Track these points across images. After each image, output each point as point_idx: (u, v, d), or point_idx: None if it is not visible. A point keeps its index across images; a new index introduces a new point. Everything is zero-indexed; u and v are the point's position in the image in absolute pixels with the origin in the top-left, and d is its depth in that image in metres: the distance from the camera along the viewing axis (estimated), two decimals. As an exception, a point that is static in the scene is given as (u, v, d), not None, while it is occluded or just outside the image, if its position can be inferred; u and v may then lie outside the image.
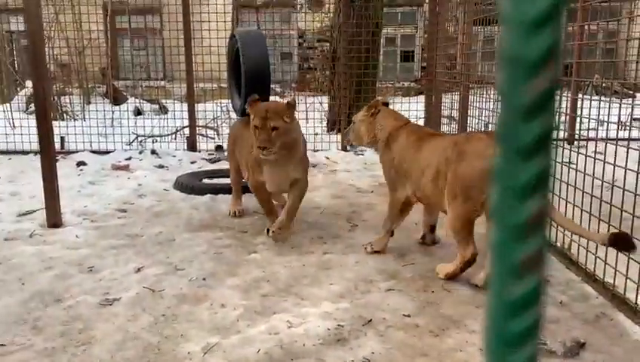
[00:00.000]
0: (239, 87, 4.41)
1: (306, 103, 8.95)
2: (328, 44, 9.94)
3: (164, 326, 2.55)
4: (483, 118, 5.44)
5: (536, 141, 0.30)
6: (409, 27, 15.20)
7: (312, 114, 8.60)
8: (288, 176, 3.75)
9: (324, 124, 8.58)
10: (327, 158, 6.82)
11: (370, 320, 2.58)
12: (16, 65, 11.22)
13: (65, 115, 8.85)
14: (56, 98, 8.71)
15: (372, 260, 3.34)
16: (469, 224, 2.91)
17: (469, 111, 5.85)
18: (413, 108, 7.64)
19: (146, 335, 2.46)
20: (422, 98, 7.91)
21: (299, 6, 12.49)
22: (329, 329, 2.48)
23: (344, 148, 7.26)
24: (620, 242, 2.51)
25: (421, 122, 7.72)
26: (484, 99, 5.57)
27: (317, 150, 7.27)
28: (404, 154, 3.28)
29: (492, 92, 5.45)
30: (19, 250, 3.54)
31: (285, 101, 3.74)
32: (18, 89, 9.97)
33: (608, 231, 2.70)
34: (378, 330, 2.50)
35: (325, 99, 9.08)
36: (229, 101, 5.18)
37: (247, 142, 3.78)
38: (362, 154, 7.04)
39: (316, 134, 7.72)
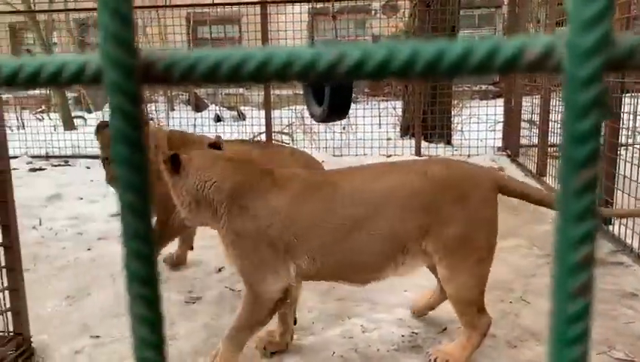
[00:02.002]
0: (316, 93, 4.50)
1: (379, 108, 8.95)
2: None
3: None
4: (566, 123, 5.20)
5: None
6: (487, 29, 14.81)
7: (385, 119, 8.60)
8: None
9: (398, 129, 8.54)
10: (401, 164, 6.78)
11: (445, 329, 2.56)
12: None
13: (151, 121, 9.37)
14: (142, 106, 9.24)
15: (447, 268, 3.30)
16: (484, 289, 2.24)
17: (550, 115, 5.63)
18: (491, 112, 7.45)
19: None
20: (500, 101, 7.69)
21: (373, 12, 12.51)
22: (403, 336, 2.49)
23: (418, 153, 7.20)
24: None
25: (499, 126, 7.52)
26: (567, 103, 5.32)
27: (390, 155, 7.26)
28: (291, 213, 2.11)
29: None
30: (111, 249, 3.80)
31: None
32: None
33: None
34: (453, 339, 2.47)
35: (399, 103, 9.04)
36: (304, 107, 5.29)
37: None
38: (437, 160, 6.96)
39: (389, 139, 7.70)
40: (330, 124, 7.16)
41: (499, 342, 2.44)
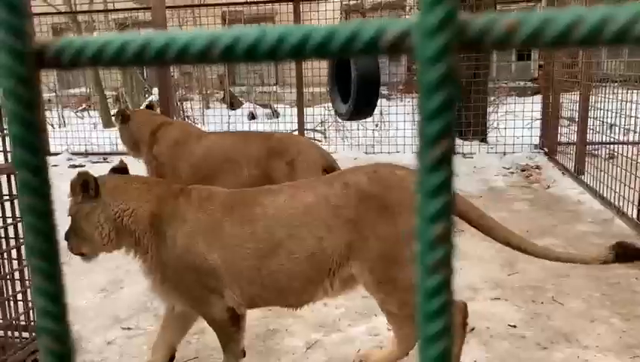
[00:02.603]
0: (342, 90, 4.49)
1: (412, 105, 8.87)
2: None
3: (271, 320, 2.68)
4: (607, 120, 5.05)
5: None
6: (525, 24, 14.48)
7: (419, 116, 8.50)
8: None
9: (432, 126, 8.46)
10: (434, 161, 6.70)
11: (474, 329, 2.52)
12: (145, 75, 12.26)
13: (187, 119, 9.54)
14: (178, 104, 9.42)
15: (477, 267, 3.25)
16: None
17: (590, 112, 5.46)
18: (528, 109, 7.28)
19: (254, 328, 2.60)
20: (538, 98, 7.51)
21: (408, 7, 12.39)
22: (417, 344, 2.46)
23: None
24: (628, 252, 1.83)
25: (537, 124, 7.35)
26: (607, 100, 5.17)
27: (424, 153, 7.19)
28: (207, 236, 1.93)
29: (617, 91, 5.03)
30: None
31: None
32: (146, 95, 10.92)
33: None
34: (481, 339, 2.43)
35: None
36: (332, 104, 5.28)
37: None
38: (471, 158, 6.84)
39: (423, 137, 7.62)
40: (363, 121, 7.14)
41: (528, 343, 2.39)
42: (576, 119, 5.70)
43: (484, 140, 7.53)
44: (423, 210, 0.23)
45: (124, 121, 3.84)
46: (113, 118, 4.00)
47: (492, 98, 8.29)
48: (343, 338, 2.48)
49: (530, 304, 2.77)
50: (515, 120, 7.33)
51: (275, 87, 11.99)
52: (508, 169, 6.25)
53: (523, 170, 6.12)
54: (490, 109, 7.96)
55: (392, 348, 2.11)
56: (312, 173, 3.02)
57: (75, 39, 0.23)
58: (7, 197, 2.27)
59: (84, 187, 1.94)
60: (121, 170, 2.19)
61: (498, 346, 2.37)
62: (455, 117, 0.22)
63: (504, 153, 6.92)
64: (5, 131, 2.28)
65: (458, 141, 7.25)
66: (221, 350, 2.08)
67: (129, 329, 2.66)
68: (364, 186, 1.85)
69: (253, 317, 2.70)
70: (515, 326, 2.53)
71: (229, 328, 2.02)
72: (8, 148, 2.29)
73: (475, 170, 6.22)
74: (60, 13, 8.95)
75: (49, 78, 10.64)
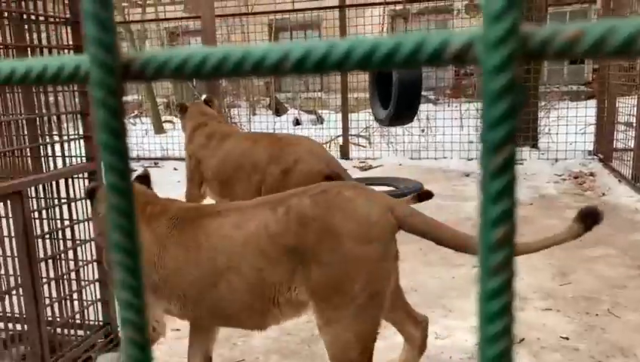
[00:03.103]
0: (382, 95, 4.47)
1: (460, 110, 8.73)
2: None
3: (315, 325, 2.69)
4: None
5: None
6: (578, 26, 14.01)
7: (466, 121, 8.37)
8: None
9: (480, 131, 8.29)
10: (482, 167, 6.57)
11: (523, 339, 2.45)
12: (194, 82, 12.59)
13: (234, 125, 9.73)
14: (226, 110, 9.62)
15: (528, 276, 3.16)
16: (368, 348, 1.86)
17: (648, 116, 5.22)
18: (581, 114, 7.05)
19: (299, 331, 2.62)
20: (593, 103, 7.26)
21: (456, 11, 12.23)
22: (477, 345, 2.41)
23: (501, 157, 6.95)
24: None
25: (591, 129, 7.10)
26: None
27: (471, 158, 7.05)
28: (152, 253, 1.89)
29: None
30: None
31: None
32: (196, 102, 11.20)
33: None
34: (531, 350, 2.36)
35: (481, 105, 8.77)
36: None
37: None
38: (522, 164, 6.67)
39: (470, 142, 7.49)
40: (408, 126, 7.09)
41: (582, 357, 2.31)
42: (634, 124, 5.47)
43: (535, 146, 7.33)
44: (485, 214, 0.24)
45: (182, 112, 3.96)
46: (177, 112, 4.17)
47: (543, 103, 8.06)
48: (388, 346, 2.46)
49: (584, 315, 2.67)
50: (568, 125, 7.10)
51: (319, 93, 12.06)
52: (560, 176, 6.06)
53: (576, 177, 5.92)
54: (541, 114, 7.75)
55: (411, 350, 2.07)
56: (307, 183, 2.86)
57: (159, 53, 0.25)
58: (65, 200, 2.37)
59: (91, 198, 2.04)
60: (143, 178, 2.21)
61: (549, 358, 2.30)
62: (516, 126, 0.23)
63: (556, 159, 6.71)
64: (64, 137, 2.39)
65: (507, 147, 7.09)
66: (267, 352, 2.09)
67: (178, 330, 2.72)
68: (306, 210, 1.74)
69: (300, 322, 2.72)
70: (567, 338, 2.45)
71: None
72: (66, 153, 2.40)
73: (526, 177, 6.06)
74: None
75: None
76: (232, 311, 1.84)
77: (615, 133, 6.28)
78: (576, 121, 7.07)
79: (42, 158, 2.41)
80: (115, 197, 0.24)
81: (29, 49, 2.28)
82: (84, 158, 2.42)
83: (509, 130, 0.22)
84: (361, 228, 1.71)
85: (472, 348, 2.39)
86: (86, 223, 2.44)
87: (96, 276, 2.51)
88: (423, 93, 4.42)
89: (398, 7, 7.11)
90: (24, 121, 2.39)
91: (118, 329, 2.57)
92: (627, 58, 0.22)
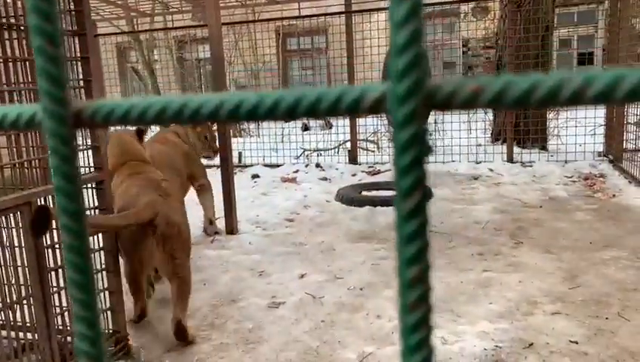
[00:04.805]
0: None
1: (468, 113, 8.71)
2: (493, 51, 9.56)
3: (324, 331, 2.69)
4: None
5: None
6: (587, 27, 13.93)
7: (475, 124, 8.35)
8: None
9: (489, 134, 8.26)
10: (491, 170, 6.55)
11: (532, 344, 2.44)
12: (203, 88, 12.66)
13: (242, 132, 9.77)
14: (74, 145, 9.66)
15: (536, 280, 3.15)
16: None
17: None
18: (591, 115, 7.00)
19: (307, 339, 2.63)
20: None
21: (462, 14, 12.22)
22: (486, 350, 2.40)
23: (510, 160, 6.92)
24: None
25: (601, 130, 7.05)
26: (677, 103, 4.89)
27: (480, 161, 7.03)
28: None
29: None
30: (203, 254, 4.01)
31: None
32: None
33: None
34: (540, 355, 2.35)
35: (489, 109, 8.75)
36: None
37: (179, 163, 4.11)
38: (531, 166, 6.64)
39: (479, 145, 7.47)
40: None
41: (591, 361, 2.29)
42: (644, 124, 5.43)
43: (544, 148, 7.30)
44: (401, 254, 0.25)
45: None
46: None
47: (552, 104, 8.01)
48: (397, 352, 2.46)
49: (594, 319, 2.65)
50: (577, 126, 7.06)
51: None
52: (570, 178, 6.02)
53: (586, 179, 5.88)
54: (550, 116, 7.71)
55: None
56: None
57: (106, 102, 0.27)
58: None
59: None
60: (140, 132, 3.30)
61: (559, 363, 2.28)
62: (425, 172, 0.24)
63: (565, 161, 6.67)
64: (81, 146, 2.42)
65: (516, 149, 7.05)
66: (275, 359, 2.10)
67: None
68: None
69: (307, 328, 2.73)
70: (576, 343, 2.43)
71: None
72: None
73: (535, 179, 6.03)
74: (123, 33, 9.40)
75: (112, 89, 11.17)
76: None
77: (625, 133, 6.23)
78: (585, 122, 7.02)
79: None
80: (68, 236, 0.25)
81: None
82: (92, 168, 2.45)
83: (417, 177, 0.24)
84: None
85: (481, 353, 2.38)
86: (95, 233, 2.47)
87: (106, 285, 2.53)
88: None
89: (405, 11, 7.11)
90: (34, 133, 2.43)
91: (128, 338, 2.60)
92: (523, 109, 0.24)
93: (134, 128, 3.43)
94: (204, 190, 4.53)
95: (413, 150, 0.23)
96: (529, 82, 0.22)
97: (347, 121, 7.90)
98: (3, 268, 2.32)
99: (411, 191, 0.24)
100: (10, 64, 2.27)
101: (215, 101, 0.24)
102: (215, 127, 4.55)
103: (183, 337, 2.63)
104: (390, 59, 0.24)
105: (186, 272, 2.76)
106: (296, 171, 7.21)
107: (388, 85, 0.24)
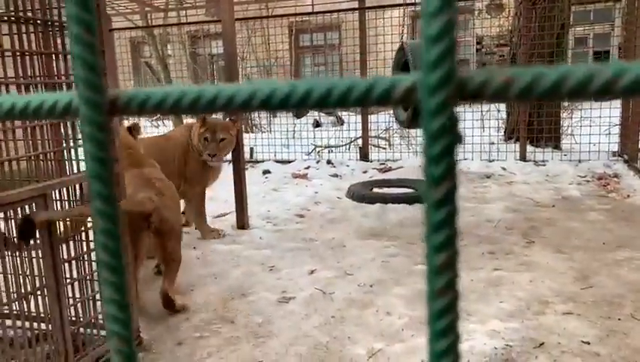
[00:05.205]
0: None
1: (481, 111, 8.66)
2: (507, 48, 9.49)
3: (333, 327, 2.70)
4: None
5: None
6: (603, 25, 13.77)
7: (487, 122, 8.29)
8: (220, 168, 4.57)
9: (501, 132, 8.20)
10: (504, 169, 6.51)
11: (543, 344, 2.42)
12: (215, 84, 12.70)
13: (254, 127, 9.79)
14: (250, 113, 9.71)
15: (548, 280, 3.13)
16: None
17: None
18: (605, 114, 6.92)
19: (316, 334, 2.63)
20: (617, 103, 7.13)
21: (477, 11, 12.13)
22: (496, 349, 2.40)
23: (523, 158, 6.87)
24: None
25: (616, 130, 6.97)
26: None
27: (492, 160, 6.99)
28: None
29: None
30: (214, 248, 4.03)
31: (231, 119, 4.40)
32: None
33: None
34: (551, 355, 2.34)
35: (503, 106, 8.68)
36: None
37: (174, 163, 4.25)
38: (544, 165, 6.59)
39: (492, 143, 7.42)
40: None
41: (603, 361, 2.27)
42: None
43: (557, 147, 7.23)
44: (429, 241, 0.26)
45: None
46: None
47: (566, 103, 7.95)
48: (406, 348, 2.46)
49: (606, 320, 2.63)
50: (592, 125, 6.98)
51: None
52: (583, 177, 5.97)
53: (600, 179, 5.82)
54: (564, 115, 7.64)
55: None
56: None
57: (141, 90, 0.27)
58: (88, 203, 2.42)
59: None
60: (131, 128, 3.45)
61: (570, 363, 2.27)
62: (455, 161, 0.25)
63: (579, 160, 6.61)
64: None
65: (529, 148, 7.00)
66: (285, 354, 2.12)
67: (198, 330, 2.76)
68: None
69: (317, 323, 2.73)
70: (588, 343, 2.42)
71: None
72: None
73: (548, 178, 5.98)
74: (137, 27, 9.46)
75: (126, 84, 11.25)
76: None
77: (640, 133, 6.16)
78: (600, 121, 6.95)
79: (66, 162, 2.47)
80: (102, 221, 0.26)
81: (53, 55, 2.34)
82: (106, 162, 2.47)
83: (448, 166, 0.24)
84: None
85: (491, 351, 2.37)
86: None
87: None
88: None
89: (419, 7, 7.08)
90: (49, 126, 2.45)
91: (140, 330, 2.62)
92: (555, 100, 0.24)
93: (126, 125, 3.50)
94: (186, 198, 4.40)
95: (444, 139, 0.24)
96: (559, 73, 0.22)
97: (359, 118, 7.88)
98: (18, 259, 2.35)
99: (441, 180, 0.24)
100: (27, 58, 2.29)
101: (248, 90, 0.25)
102: (233, 131, 4.30)
103: (169, 306, 2.90)
104: (422, 49, 0.24)
105: (177, 256, 3.06)
106: (308, 167, 7.21)
107: (419, 75, 0.24)
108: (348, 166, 7.24)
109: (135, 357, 0.28)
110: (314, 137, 8.47)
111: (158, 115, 11.53)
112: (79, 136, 2.52)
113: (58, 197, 2.38)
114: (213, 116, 4.43)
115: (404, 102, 0.25)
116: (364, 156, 7.59)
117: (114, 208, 0.26)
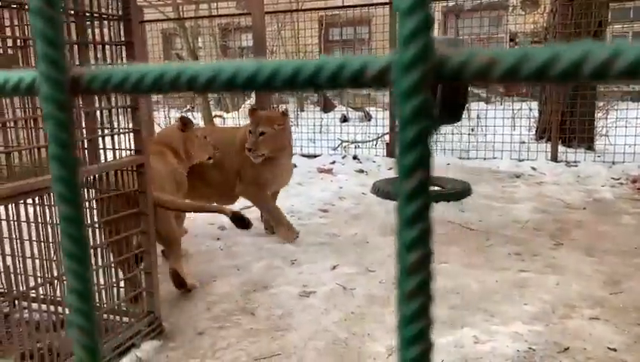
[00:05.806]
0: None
1: (512, 109, 8.49)
2: (542, 46, 9.27)
3: (353, 323, 2.69)
4: None
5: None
6: (643, 22, 13.32)
7: (519, 121, 8.13)
8: (290, 170, 4.34)
9: (533, 131, 8.03)
10: (534, 169, 6.37)
11: (567, 348, 2.36)
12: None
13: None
14: (275, 106, 9.72)
15: (575, 283, 3.05)
16: None
17: None
18: (641, 115, 6.71)
19: (335, 330, 2.62)
20: (654, 103, 6.90)
21: (511, 8, 11.89)
22: (518, 351, 2.35)
23: (554, 159, 6.71)
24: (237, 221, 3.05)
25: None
26: None
27: (522, 159, 6.85)
28: None
29: None
30: (237, 240, 4.05)
31: (281, 111, 4.17)
32: (245, 98, 11.37)
33: None
34: (576, 360, 2.28)
35: (535, 104, 8.50)
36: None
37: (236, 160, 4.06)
38: (576, 166, 6.42)
39: (522, 143, 7.27)
40: (458, 125, 6.95)
41: (630, 370, 2.20)
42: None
43: (590, 148, 7.04)
44: (401, 238, 0.24)
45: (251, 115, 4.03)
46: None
47: (601, 103, 7.73)
48: (426, 347, 2.43)
49: (635, 327, 2.55)
50: (628, 127, 6.77)
51: (369, 89, 11.99)
52: (617, 179, 5.80)
53: (634, 181, 5.65)
54: (598, 115, 7.43)
55: None
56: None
57: (103, 70, 0.26)
58: (114, 192, 2.46)
59: None
60: (184, 122, 3.72)
61: (595, 370, 2.21)
62: (430, 149, 0.23)
63: (613, 162, 6.43)
64: (115, 130, 2.48)
65: (561, 148, 6.84)
66: (304, 348, 2.12)
67: (220, 320, 2.78)
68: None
69: (336, 318, 2.72)
70: (615, 350, 2.34)
71: None
72: (117, 146, 2.49)
73: (579, 180, 5.83)
74: (169, 19, 9.56)
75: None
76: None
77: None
78: (636, 122, 6.74)
79: (94, 151, 2.51)
80: (63, 205, 0.25)
81: (77, 45, 2.38)
82: (133, 151, 2.50)
83: (421, 155, 0.22)
84: None
85: (514, 354, 2.32)
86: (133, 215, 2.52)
87: (142, 266, 2.59)
88: (475, 90, 4.32)
89: (451, 3, 6.96)
90: (81, 115, 2.50)
91: (162, 318, 2.66)
92: (539, 84, 0.22)
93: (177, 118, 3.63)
94: (247, 198, 4.23)
95: (418, 124, 0.22)
96: (548, 54, 0.20)
97: (386, 114, 7.82)
98: (44, 244, 2.40)
99: (414, 169, 0.22)
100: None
101: (211, 69, 0.24)
102: (279, 124, 3.91)
103: (180, 284, 3.02)
104: (398, 24, 0.23)
105: (172, 235, 3.14)
106: (333, 162, 7.19)
107: (393, 54, 0.22)
108: (374, 162, 7.19)
109: (97, 350, 0.27)
110: (341, 132, 8.44)
111: (189, 107, 11.67)
112: (107, 125, 2.56)
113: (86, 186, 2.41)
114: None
115: (377, 84, 0.24)
116: (391, 153, 7.53)
117: (76, 193, 0.25)
